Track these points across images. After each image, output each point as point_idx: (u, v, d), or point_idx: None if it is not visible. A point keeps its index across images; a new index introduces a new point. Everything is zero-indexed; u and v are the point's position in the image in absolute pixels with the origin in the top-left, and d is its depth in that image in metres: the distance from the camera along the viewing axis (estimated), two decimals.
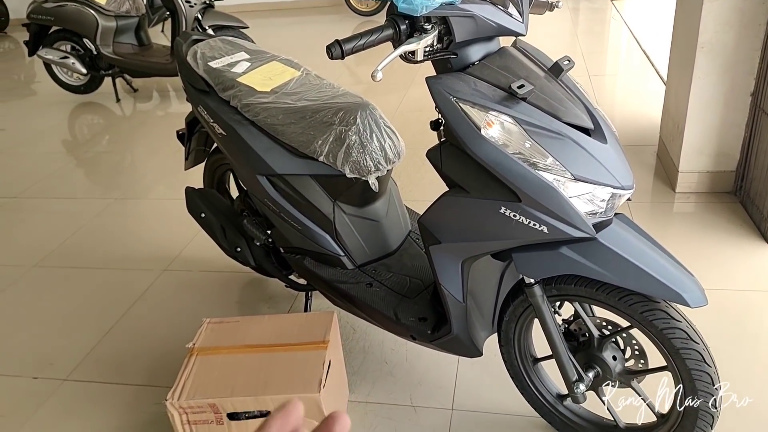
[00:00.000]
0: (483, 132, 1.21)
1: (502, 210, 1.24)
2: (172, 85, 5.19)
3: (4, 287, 2.53)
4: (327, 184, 1.73)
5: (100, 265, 2.62)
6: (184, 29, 4.37)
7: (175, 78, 5.13)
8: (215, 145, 2.18)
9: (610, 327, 1.42)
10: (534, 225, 1.22)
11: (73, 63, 4.61)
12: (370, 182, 1.66)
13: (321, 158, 1.65)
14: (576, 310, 1.42)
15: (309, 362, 1.50)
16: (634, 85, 4.19)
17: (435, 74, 1.31)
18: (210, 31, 4.43)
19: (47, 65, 4.84)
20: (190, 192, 2.15)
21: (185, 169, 2.31)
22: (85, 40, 4.64)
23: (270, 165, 1.73)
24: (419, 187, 3.02)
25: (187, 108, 4.57)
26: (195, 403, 1.43)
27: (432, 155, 1.34)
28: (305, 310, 2.09)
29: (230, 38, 2.07)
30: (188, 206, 2.14)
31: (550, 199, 1.19)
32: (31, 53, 4.75)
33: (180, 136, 2.28)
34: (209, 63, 1.90)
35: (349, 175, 1.63)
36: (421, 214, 1.40)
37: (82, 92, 4.94)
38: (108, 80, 4.87)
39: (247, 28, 4.60)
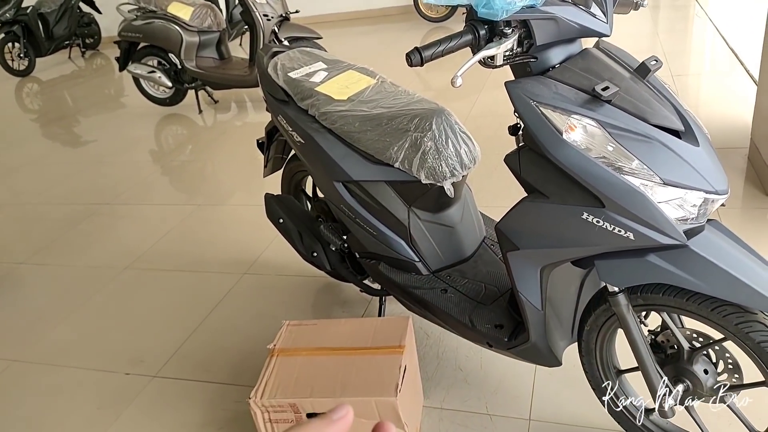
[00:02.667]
0: (564, 136, 1.18)
1: (585, 216, 1.21)
2: (250, 96, 5.40)
3: (99, 288, 2.71)
4: (402, 190, 1.75)
5: (186, 267, 2.76)
6: (262, 42, 4.54)
7: (252, 90, 5.33)
8: (293, 152, 2.25)
9: (701, 339, 1.35)
10: (619, 231, 1.18)
11: (159, 77, 4.89)
12: (445, 188, 1.66)
13: (396, 164, 1.66)
14: (664, 321, 1.36)
15: (385, 366, 1.52)
16: (721, 85, 3.97)
17: (513, 78, 1.30)
18: (286, 43, 4.59)
19: (136, 79, 5.16)
20: (269, 198, 2.23)
21: (264, 176, 2.40)
22: (171, 55, 4.91)
23: (346, 172, 1.76)
24: (492, 193, 2.99)
25: (264, 118, 4.75)
26: (276, 402, 1.47)
27: (510, 160, 1.32)
28: (379, 315, 2.11)
29: (308, 49, 2.13)
30: (267, 212, 2.22)
31: (636, 205, 1.15)
32: (122, 68, 5.07)
33: (260, 145, 2.37)
34: (289, 74, 1.96)
35: (424, 181, 1.63)
36: (498, 220, 1.39)
37: (167, 104, 5.22)
38: (191, 93, 5.13)
39: (321, 38, 4.73)
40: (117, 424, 1.92)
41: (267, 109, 2.28)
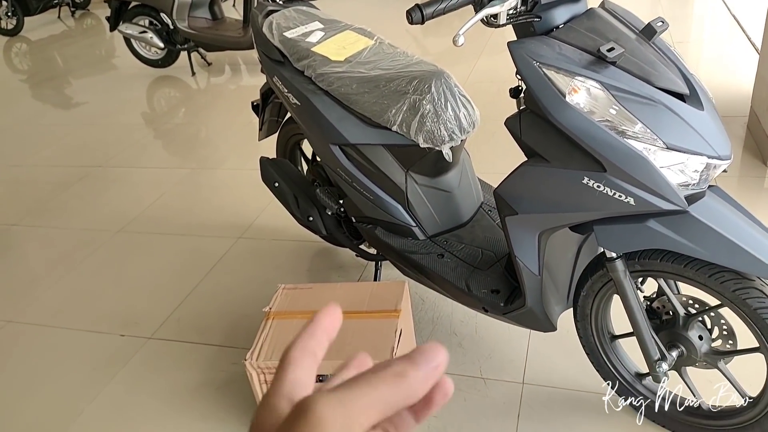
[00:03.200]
0: (567, 98, 1.16)
1: (585, 180, 1.19)
2: (244, 59, 5.30)
3: (92, 250, 2.69)
4: (399, 154, 1.72)
5: (180, 231, 2.74)
6: (257, 1, 4.43)
7: (246, 52, 5.23)
8: (288, 115, 2.21)
9: (696, 305, 1.36)
10: (620, 197, 1.17)
11: (151, 37, 4.78)
12: (443, 152, 1.64)
13: (394, 128, 1.64)
14: (660, 287, 1.36)
15: (381, 330, 1.52)
16: (722, 53, 3.91)
17: (516, 39, 1.27)
18: (281, 1, 4.47)
19: (127, 40, 5.04)
20: (264, 162, 2.20)
21: (259, 140, 2.37)
22: (162, 15, 4.79)
23: (343, 134, 1.73)
24: (490, 159, 2.97)
25: (260, 81, 4.66)
26: (272, 363, 1.48)
27: (511, 124, 1.30)
28: (375, 280, 2.11)
29: (304, 8, 2.08)
30: (262, 175, 2.19)
31: (638, 169, 1.13)
32: (112, 28, 4.95)
33: (255, 107, 2.33)
34: (284, 33, 1.91)
35: (422, 145, 1.61)
36: (497, 185, 1.37)
37: (159, 66, 5.12)
38: (184, 54, 5.02)
39: None
40: (112, 384, 1.93)
41: (262, 71, 2.23)
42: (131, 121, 4.21)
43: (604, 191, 1.18)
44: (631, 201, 1.16)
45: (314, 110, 1.78)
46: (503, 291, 1.58)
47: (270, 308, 1.65)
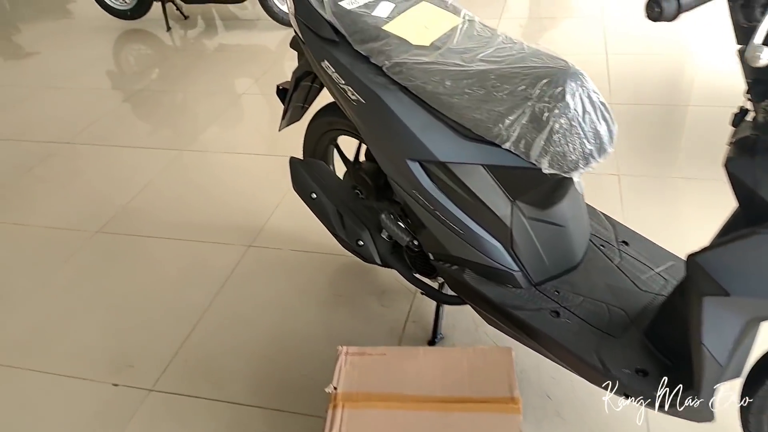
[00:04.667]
0: None
1: None
2: (219, 12, 4.65)
3: (64, 258, 2.18)
4: (506, 179, 1.29)
5: (175, 234, 2.25)
6: None
7: (221, 6, 4.59)
8: (324, 103, 1.74)
9: None
10: None
11: None
12: (574, 181, 1.22)
13: (507, 145, 1.20)
14: None
15: (498, 429, 1.12)
16: None
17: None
18: None
19: None
20: (295, 164, 1.73)
21: (279, 130, 1.89)
22: None
23: (428, 148, 1.29)
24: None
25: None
26: None
27: (737, 167, 0.89)
28: (435, 325, 1.70)
29: None
30: (294, 183, 1.72)
31: None
32: None
33: (280, 92, 1.84)
34: (340, 2, 1.42)
35: (546, 171, 1.18)
36: (695, 252, 0.97)
37: (128, 17, 4.44)
38: (156, 6, 4.35)
39: None
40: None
41: (292, 46, 1.74)
42: (99, 85, 3.59)
43: None
44: None
45: (387, 113, 1.32)
46: (653, 372, 1.19)
47: (335, 387, 1.22)
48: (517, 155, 1.21)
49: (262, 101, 3.27)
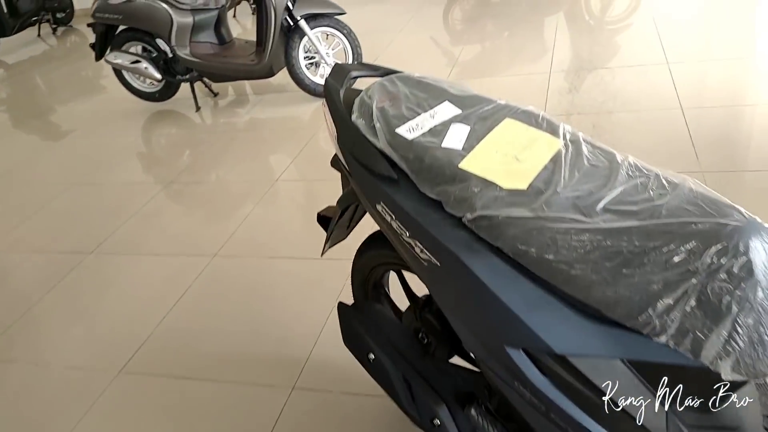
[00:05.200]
0: None
1: None
2: (253, 86, 4.45)
3: (85, 396, 1.87)
4: (654, 377, 0.91)
5: (206, 374, 1.92)
6: (274, 21, 3.58)
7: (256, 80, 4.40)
8: (372, 228, 1.40)
9: None
10: None
11: (145, 68, 3.94)
12: (758, 395, 0.83)
13: (663, 338, 0.82)
14: None
15: None
16: None
17: None
18: (303, 23, 3.64)
19: (116, 70, 4.20)
20: (345, 314, 1.39)
21: (322, 254, 1.56)
22: (159, 41, 3.95)
23: (538, 335, 0.92)
24: None
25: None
26: None
27: None
28: None
29: (412, 75, 1.25)
30: (346, 339, 1.39)
31: None
32: (98, 57, 4.11)
33: (321, 219, 1.51)
34: (397, 130, 1.09)
35: (727, 377, 0.80)
36: None
37: (156, 99, 4.28)
38: (185, 85, 4.18)
39: (344, 14, 3.78)
40: None
41: (333, 165, 1.42)
42: (130, 178, 3.37)
43: None
44: None
45: (473, 282, 0.96)
46: None
47: None
48: (677, 352, 0.83)
49: (300, 189, 2.97)
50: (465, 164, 1.00)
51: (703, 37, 3.87)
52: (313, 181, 3.00)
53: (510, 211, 0.93)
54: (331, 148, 1.42)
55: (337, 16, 3.80)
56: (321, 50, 3.77)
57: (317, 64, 3.88)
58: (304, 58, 3.81)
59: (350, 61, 3.86)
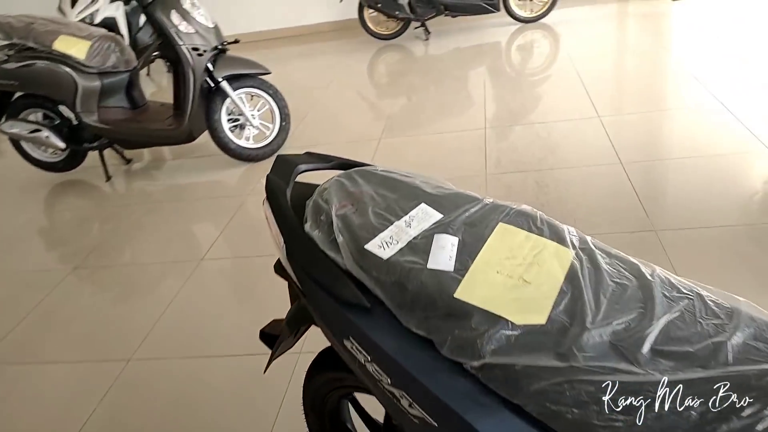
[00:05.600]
0: None
1: None
2: (172, 150, 4.12)
3: None
4: None
5: None
6: (192, 86, 3.31)
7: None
8: (324, 344, 1.14)
9: None
10: None
11: (47, 137, 3.54)
12: None
13: None
14: None
15: None
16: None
17: None
18: (225, 85, 3.39)
19: (13, 140, 3.75)
20: None
21: (264, 372, 1.28)
22: (62, 107, 3.57)
23: None
24: None
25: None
26: None
27: None
28: None
29: (374, 170, 1.03)
30: None
31: None
32: None
33: (264, 336, 1.24)
34: (367, 246, 0.85)
35: None
36: None
37: (60, 170, 3.85)
38: (93, 153, 3.79)
39: (269, 74, 3.56)
40: None
41: (278, 272, 1.17)
42: (23, 266, 2.92)
43: None
44: None
45: None
46: None
47: None
48: None
49: (231, 267, 2.66)
50: (461, 293, 0.78)
51: (625, 90, 3.95)
52: (246, 257, 2.69)
53: (530, 358, 0.71)
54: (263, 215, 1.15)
55: (261, 76, 3.58)
56: (246, 112, 3.52)
57: (242, 126, 3.62)
58: (228, 120, 3.54)
59: (278, 122, 3.63)
